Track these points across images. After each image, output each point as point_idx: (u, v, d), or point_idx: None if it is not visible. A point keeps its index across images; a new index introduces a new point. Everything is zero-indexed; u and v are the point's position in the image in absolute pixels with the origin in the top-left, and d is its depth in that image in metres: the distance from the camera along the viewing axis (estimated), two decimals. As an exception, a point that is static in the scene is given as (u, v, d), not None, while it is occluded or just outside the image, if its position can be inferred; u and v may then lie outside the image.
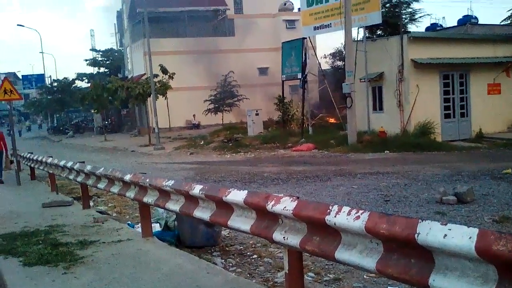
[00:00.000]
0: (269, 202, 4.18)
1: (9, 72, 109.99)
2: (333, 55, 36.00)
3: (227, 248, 7.19)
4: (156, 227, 7.61)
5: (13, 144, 15.60)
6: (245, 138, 25.57)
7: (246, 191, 4.68)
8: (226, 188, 4.98)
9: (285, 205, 4.01)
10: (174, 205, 6.06)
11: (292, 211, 3.91)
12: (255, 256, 6.72)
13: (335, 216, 3.49)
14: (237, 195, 4.68)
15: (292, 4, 42.50)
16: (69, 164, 10.45)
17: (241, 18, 41.40)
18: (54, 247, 6.72)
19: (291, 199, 4.04)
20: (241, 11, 42.26)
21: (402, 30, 21.03)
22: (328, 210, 3.57)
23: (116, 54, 56.05)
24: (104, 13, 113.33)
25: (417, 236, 2.86)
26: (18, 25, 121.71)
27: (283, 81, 26.47)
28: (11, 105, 16.31)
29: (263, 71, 40.41)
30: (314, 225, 3.80)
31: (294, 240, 3.99)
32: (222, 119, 35.28)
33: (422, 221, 2.91)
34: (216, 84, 35.42)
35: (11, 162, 16.65)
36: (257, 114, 28.35)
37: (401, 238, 3.00)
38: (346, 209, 3.47)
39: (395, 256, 3.17)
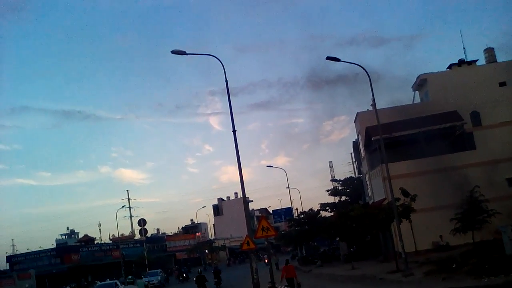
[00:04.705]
0: None
1: (262, 208, 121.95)
2: None
3: None
4: None
5: (271, 276, 17.07)
6: (503, 257, 23.07)
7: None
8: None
9: None
10: None
11: None
12: None
13: None
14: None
15: (537, 107, 39.25)
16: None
17: (481, 130, 39.58)
18: None
19: None
20: (479, 123, 40.55)
21: None
22: None
23: (355, 181, 58.36)
24: (341, 145, 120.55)
25: None
26: (267, 166, 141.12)
27: (540, 191, 23.93)
28: (268, 240, 18.16)
29: (513, 181, 37.05)
30: None
31: None
32: (473, 238, 32.60)
33: None
34: (461, 201, 33.54)
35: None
36: (513, 230, 25.57)
37: None
38: None
39: None
